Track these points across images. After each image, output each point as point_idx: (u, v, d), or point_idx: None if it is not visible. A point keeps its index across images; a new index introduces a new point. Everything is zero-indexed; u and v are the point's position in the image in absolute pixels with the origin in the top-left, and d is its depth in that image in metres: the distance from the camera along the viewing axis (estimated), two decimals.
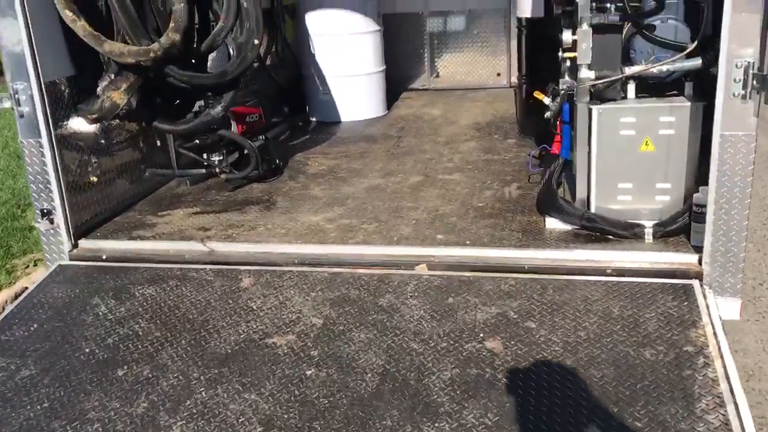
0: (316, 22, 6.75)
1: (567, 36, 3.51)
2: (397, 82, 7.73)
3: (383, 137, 6.19)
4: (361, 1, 6.74)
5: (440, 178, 4.88)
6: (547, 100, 4.10)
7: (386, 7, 7.04)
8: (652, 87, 3.68)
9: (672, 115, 3.53)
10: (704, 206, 3.37)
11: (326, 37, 6.75)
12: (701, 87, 3.54)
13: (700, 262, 3.33)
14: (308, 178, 5.08)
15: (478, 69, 8.20)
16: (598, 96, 3.63)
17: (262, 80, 6.52)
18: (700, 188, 3.43)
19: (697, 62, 3.33)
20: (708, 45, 3.35)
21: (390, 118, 6.98)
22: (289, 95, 7.06)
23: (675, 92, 3.67)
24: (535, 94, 4.17)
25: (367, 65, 6.90)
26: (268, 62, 6.72)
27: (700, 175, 3.55)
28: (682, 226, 3.54)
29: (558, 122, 4.20)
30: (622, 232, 3.62)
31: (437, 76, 8.31)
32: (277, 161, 5.20)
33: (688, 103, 3.50)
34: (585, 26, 3.47)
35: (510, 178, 4.76)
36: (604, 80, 3.45)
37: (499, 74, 8.16)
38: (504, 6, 7.92)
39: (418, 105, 7.50)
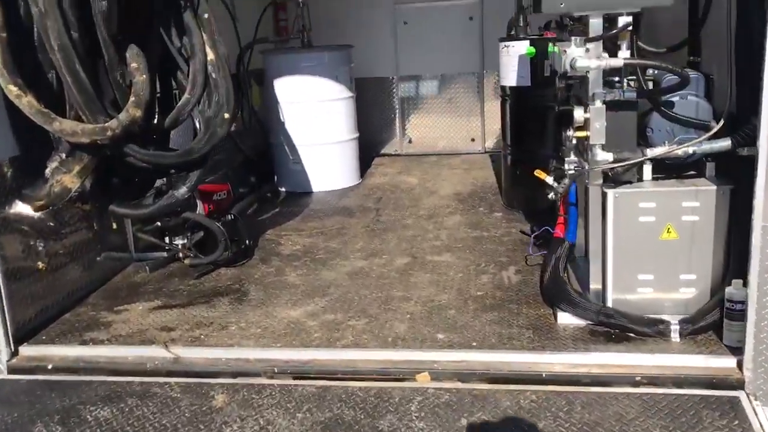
0: (285, 88, 6.37)
1: (579, 114, 3.17)
2: (368, 147, 7.36)
3: (361, 210, 5.77)
4: (334, 67, 6.40)
5: (429, 260, 4.46)
6: (549, 180, 3.73)
7: (355, 72, 6.72)
8: (668, 167, 3.35)
9: (697, 200, 3.19)
10: (739, 303, 3.02)
11: (297, 105, 6.37)
12: (725, 167, 3.23)
13: (740, 366, 2.95)
14: (282, 261, 4.61)
15: (452, 134, 7.90)
16: (612, 178, 3.28)
17: (227, 149, 6.07)
18: (733, 282, 3.07)
19: (726, 143, 3.01)
20: (737, 124, 3.04)
21: (365, 187, 6.58)
22: (256, 164, 6.62)
23: (694, 172, 3.35)
24: (536, 173, 3.81)
25: (340, 133, 6.52)
26: (233, 129, 6.28)
27: (727, 265, 3.21)
28: (712, 323, 3.18)
29: (561, 202, 3.84)
30: (646, 330, 3.24)
31: (410, 141, 7.99)
32: (247, 241, 4.72)
33: (714, 187, 3.17)
34: (598, 103, 3.14)
35: (505, 260, 4.37)
36: (624, 164, 3.11)
37: (473, 139, 7.87)
38: (477, 69, 7.69)
39: (392, 172, 7.12)
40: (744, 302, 3.00)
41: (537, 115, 5.23)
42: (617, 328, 3.29)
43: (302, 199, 6.25)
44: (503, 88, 5.45)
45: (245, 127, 6.73)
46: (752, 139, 2.91)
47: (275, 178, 6.68)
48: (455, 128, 7.90)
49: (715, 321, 3.16)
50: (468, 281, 4.06)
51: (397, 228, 5.20)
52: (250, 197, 6.11)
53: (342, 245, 4.87)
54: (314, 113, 6.38)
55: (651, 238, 3.27)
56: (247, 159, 6.55)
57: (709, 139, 3.06)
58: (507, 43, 5.25)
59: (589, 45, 3.10)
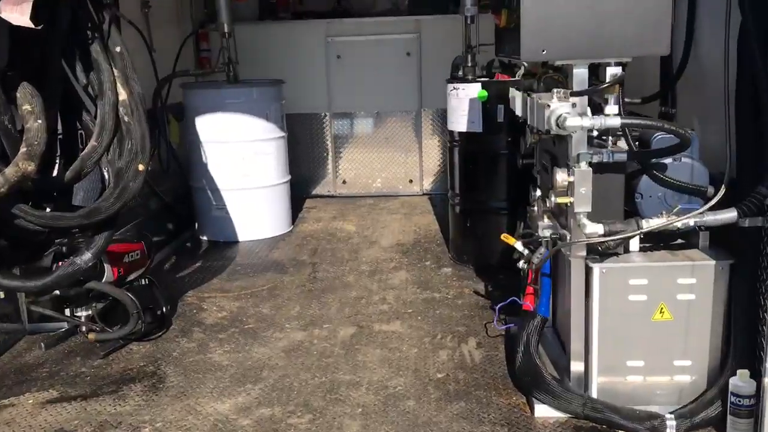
0: (208, 126, 5.74)
1: (561, 177, 2.73)
2: (299, 188, 6.79)
3: (294, 265, 5.18)
4: (264, 104, 5.82)
5: (378, 330, 3.93)
6: (519, 246, 3.29)
7: (284, 108, 6.17)
8: (654, 236, 2.95)
9: (693, 276, 2.80)
10: (747, 397, 2.62)
11: (222, 145, 5.75)
12: (719, 237, 2.86)
13: None
14: (206, 333, 3.97)
15: (389, 174, 7.43)
16: (599, 250, 2.86)
17: (141, 193, 5.37)
18: (739, 373, 2.67)
19: (731, 214, 2.62)
20: (737, 190, 2.68)
21: (297, 236, 5.99)
22: (175, 210, 5.94)
23: (682, 241, 2.97)
24: (503, 238, 3.36)
25: (270, 176, 5.93)
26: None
27: (727, 351, 2.82)
28: (712, 418, 2.77)
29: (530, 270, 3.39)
30: (638, 427, 2.80)
31: (344, 182, 7.46)
32: (164, 308, 4.05)
33: (713, 262, 2.79)
34: (584, 165, 2.71)
35: (463, 330, 3.88)
36: (617, 237, 2.68)
37: (411, 181, 7.42)
38: (414, 107, 7.27)
39: (327, 217, 6.56)
40: (752, 397, 2.62)
41: (489, 163, 4.83)
42: (605, 423, 2.85)
43: (227, 251, 5.60)
44: (451, 133, 5.02)
45: (162, 169, 6.06)
46: (760, 209, 2.56)
47: (196, 225, 6.01)
48: (392, 168, 7.43)
49: (717, 415, 2.75)
50: (425, 359, 3.55)
51: (337, 288, 4.64)
52: (167, 248, 5.45)
53: (275, 311, 4.27)
54: (241, 154, 5.77)
55: (642, 318, 2.85)
56: (164, 204, 5.86)
57: (711, 209, 2.67)
58: (457, 85, 4.83)
59: (574, 99, 2.68)
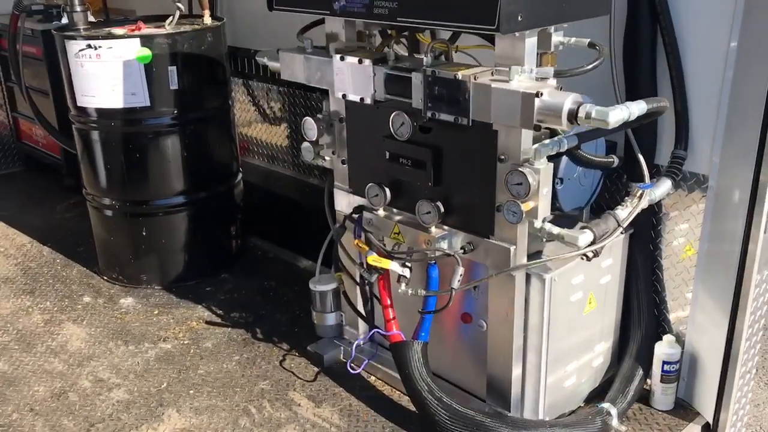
0: None
1: (532, 179, 2.10)
2: None
3: None
4: None
5: None
6: (396, 267, 2.49)
7: None
8: None
9: (610, 256, 2.59)
10: (676, 363, 2.64)
11: None
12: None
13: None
14: None
15: None
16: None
17: None
18: (665, 339, 2.66)
19: (668, 183, 2.44)
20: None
21: None
22: None
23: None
24: (372, 262, 2.49)
25: None
26: None
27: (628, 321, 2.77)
28: (638, 389, 2.70)
29: (382, 287, 2.66)
30: (593, 430, 2.55)
31: None
32: None
33: (621, 236, 2.61)
34: (544, 161, 2.15)
35: (274, 389, 2.88)
36: (608, 240, 2.24)
37: None
38: None
39: None
40: (679, 361, 2.65)
41: (162, 148, 3.56)
42: None
43: None
44: (83, 110, 3.49)
45: None
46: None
47: None
48: None
49: (640, 386, 2.70)
50: None
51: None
52: None
53: None
54: None
55: (577, 315, 2.55)
56: None
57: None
58: (95, 43, 3.31)
59: (552, 81, 2.06)
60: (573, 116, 1.93)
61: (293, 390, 2.86)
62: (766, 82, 2.15)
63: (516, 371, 2.48)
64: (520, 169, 2.12)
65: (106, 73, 3.35)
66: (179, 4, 3.54)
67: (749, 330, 2.43)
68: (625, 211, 2.30)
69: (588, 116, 1.91)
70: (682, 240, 2.60)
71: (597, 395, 2.74)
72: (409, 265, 2.52)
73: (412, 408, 2.62)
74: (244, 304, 3.56)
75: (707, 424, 2.63)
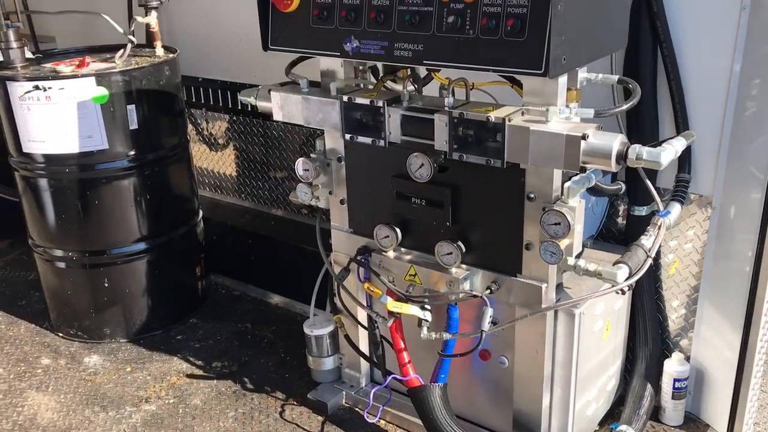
0: None
1: (569, 214, 2.07)
2: None
3: None
4: None
5: None
6: (416, 311, 2.41)
7: None
8: None
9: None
10: (686, 379, 2.71)
11: None
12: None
13: None
14: None
15: None
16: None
17: None
18: (675, 357, 2.71)
19: (678, 207, 2.48)
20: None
21: None
22: None
23: None
24: (390, 308, 2.38)
25: None
26: None
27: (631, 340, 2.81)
28: (649, 408, 2.75)
29: (394, 331, 2.57)
30: None
31: None
32: None
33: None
34: (577, 198, 2.14)
35: None
36: (640, 274, 2.23)
37: None
38: None
39: None
40: (688, 377, 2.72)
41: (121, 192, 3.29)
42: None
43: None
44: (28, 156, 3.18)
45: None
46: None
47: None
48: None
49: (651, 405, 2.75)
50: None
51: None
52: None
53: None
54: None
55: (598, 344, 2.55)
56: None
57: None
58: (40, 84, 3.01)
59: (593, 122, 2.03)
60: (622, 158, 1.92)
61: None
62: None
63: (544, 404, 2.46)
64: (557, 209, 2.09)
65: (57, 117, 3.05)
66: (131, 37, 3.28)
67: (761, 344, 2.52)
68: (650, 241, 2.31)
69: (639, 157, 1.90)
70: (672, 256, 2.67)
71: (608, 416, 2.77)
72: (428, 307, 2.44)
73: None
74: (223, 351, 3.36)
75: None
